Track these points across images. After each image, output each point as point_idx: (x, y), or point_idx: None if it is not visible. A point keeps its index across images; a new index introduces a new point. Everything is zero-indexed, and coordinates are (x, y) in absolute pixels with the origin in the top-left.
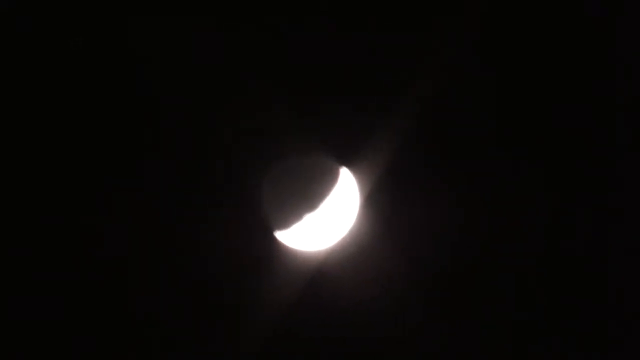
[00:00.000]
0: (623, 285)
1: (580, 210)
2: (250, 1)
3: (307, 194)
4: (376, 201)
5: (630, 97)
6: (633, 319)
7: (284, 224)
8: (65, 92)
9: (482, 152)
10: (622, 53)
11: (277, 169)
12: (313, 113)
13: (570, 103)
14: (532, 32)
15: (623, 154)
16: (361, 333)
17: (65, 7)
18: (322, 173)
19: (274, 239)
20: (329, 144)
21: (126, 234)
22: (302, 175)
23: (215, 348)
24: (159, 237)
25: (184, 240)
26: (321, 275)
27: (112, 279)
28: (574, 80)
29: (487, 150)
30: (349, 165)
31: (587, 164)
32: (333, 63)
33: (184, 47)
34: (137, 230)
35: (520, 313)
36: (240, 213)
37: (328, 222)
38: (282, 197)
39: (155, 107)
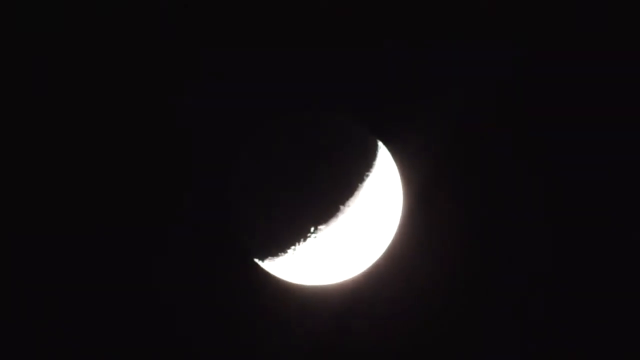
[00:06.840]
0: None
1: None
2: None
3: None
4: (431, 201)
5: None
6: None
7: (273, 249)
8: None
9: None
10: None
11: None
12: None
13: None
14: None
15: None
16: None
17: None
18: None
19: (264, 273)
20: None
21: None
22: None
23: None
24: None
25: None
26: (345, 319)
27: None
28: None
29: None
30: (392, 152)
31: None
32: None
33: None
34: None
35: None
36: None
37: (356, 240)
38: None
39: None
